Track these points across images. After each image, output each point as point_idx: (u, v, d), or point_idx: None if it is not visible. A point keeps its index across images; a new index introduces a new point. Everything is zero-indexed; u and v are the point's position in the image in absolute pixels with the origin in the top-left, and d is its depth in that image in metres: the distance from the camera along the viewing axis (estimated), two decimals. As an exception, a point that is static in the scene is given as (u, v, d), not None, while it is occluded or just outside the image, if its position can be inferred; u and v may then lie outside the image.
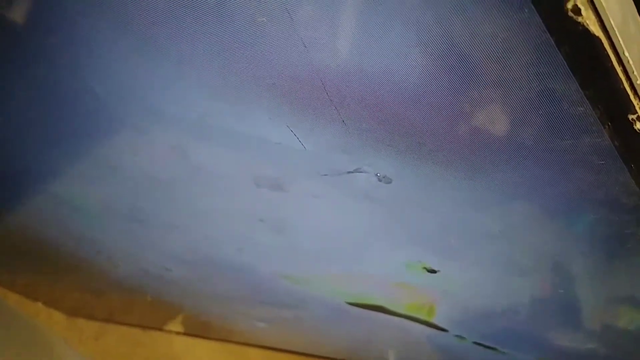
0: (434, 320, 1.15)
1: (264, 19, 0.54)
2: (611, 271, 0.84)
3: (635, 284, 0.85)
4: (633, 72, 0.51)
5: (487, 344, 1.17)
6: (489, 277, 0.96)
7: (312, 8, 0.52)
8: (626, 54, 0.50)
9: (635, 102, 0.53)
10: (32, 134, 0.88)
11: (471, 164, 0.68)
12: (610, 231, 0.73)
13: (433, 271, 0.94)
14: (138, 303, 1.58)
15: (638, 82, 0.52)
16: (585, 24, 0.49)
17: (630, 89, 0.52)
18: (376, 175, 0.74)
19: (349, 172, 0.74)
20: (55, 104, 0.80)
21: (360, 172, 0.74)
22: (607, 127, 0.57)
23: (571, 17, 0.49)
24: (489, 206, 0.77)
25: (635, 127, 0.54)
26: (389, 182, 0.75)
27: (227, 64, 0.62)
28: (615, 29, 0.49)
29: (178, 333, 1.60)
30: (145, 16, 0.58)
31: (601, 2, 0.48)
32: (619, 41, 0.51)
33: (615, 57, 0.51)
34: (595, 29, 0.49)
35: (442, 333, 1.20)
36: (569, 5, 0.48)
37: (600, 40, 0.50)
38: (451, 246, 0.89)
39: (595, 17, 0.48)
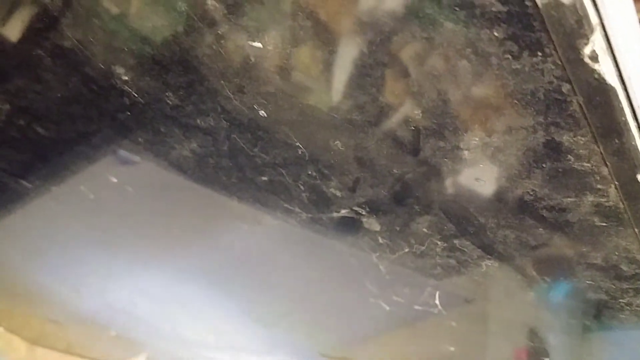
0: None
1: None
2: (600, 344, 0.77)
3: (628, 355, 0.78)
4: (648, 129, 0.45)
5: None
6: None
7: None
8: (642, 108, 0.44)
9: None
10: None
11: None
12: (605, 300, 0.66)
13: None
14: (101, 337, 1.50)
15: (652, 140, 0.46)
16: (601, 72, 0.43)
17: (644, 147, 0.46)
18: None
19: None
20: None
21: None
22: (614, 186, 0.51)
23: (587, 64, 0.43)
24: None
25: (645, 189, 0.48)
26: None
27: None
28: (633, 80, 0.43)
29: (139, 372, 1.49)
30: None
31: (620, 51, 0.42)
32: (635, 94, 0.45)
33: (630, 110, 0.45)
34: (611, 78, 0.43)
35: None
36: (587, 51, 0.42)
37: (615, 91, 0.44)
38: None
39: (613, 66, 0.42)
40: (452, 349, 0.98)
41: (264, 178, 0.63)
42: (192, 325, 1.35)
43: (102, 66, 0.57)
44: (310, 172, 0.60)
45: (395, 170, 0.59)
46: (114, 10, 0.51)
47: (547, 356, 0.87)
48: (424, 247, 0.72)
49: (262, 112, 0.55)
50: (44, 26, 0.55)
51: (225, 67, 0.52)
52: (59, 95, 0.63)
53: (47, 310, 1.40)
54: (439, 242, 0.70)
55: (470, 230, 0.66)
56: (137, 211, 0.97)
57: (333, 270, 0.95)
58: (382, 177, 0.62)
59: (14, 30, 0.55)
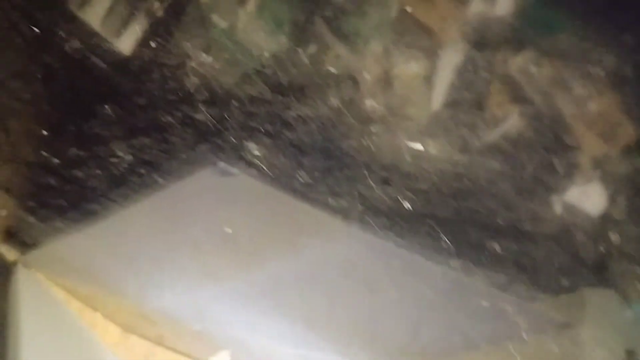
0: None
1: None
2: None
3: None
4: None
5: None
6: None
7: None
8: None
9: None
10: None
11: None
12: None
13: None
14: (186, 332, 1.54)
15: None
16: None
17: None
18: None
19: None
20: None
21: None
22: None
23: None
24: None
25: None
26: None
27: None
28: None
29: (222, 367, 1.52)
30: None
31: None
32: None
33: None
34: None
35: None
36: None
37: None
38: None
39: None
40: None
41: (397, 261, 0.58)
42: (275, 327, 1.34)
43: (233, 140, 0.52)
44: (452, 264, 0.53)
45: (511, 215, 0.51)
46: (253, 92, 0.46)
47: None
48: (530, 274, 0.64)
49: (407, 205, 0.49)
50: (177, 98, 0.50)
51: (372, 160, 0.46)
52: (184, 156, 0.59)
53: (139, 300, 1.44)
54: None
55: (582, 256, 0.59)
56: (230, 219, 0.96)
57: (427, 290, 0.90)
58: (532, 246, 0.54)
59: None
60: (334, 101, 0.42)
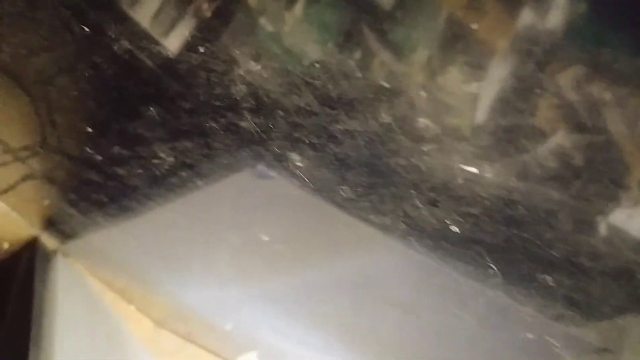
0: None
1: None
2: None
3: None
4: None
5: None
6: None
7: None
8: None
9: None
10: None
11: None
12: None
13: None
14: (216, 330, 1.55)
15: None
16: None
17: None
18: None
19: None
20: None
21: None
22: None
23: None
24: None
25: None
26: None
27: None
28: None
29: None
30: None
31: None
32: None
33: None
34: None
35: None
36: None
37: None
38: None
39: None
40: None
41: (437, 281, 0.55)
42: (305, 333, 1.34)
43: (276, 149, 0.50)
44: (497, 293, 0.50)
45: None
46: (301, 103, 0.44)
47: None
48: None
49: (454, 228, 0.46)
50: (223, 105, 0.49)
51: (421, 180, 0.43)
52: (224, 162, 0.58)
53: (172, 297, 1.46)
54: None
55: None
56: (267, 225, 0.95)
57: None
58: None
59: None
60: (385, 117, 0.40)
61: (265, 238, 0.87)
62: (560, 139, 0.42)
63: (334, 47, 0.43)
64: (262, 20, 0.46)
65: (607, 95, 0.39)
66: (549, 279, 0.48)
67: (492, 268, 0.50)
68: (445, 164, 0.41)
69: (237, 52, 0.47)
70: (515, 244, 0.46)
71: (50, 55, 0.61)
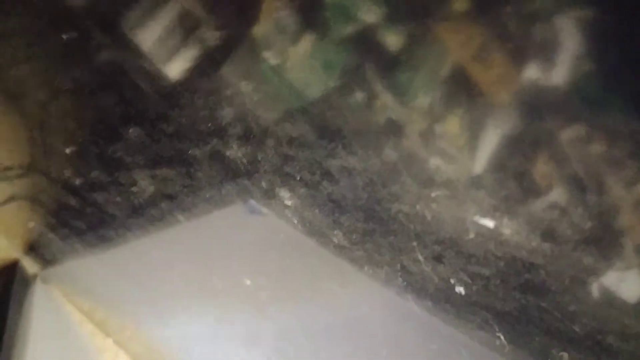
0: None
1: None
2: None
3: None
4: None
5: None
6: None
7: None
8: None
9: None
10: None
11: None
12: None
13: None
14: None
15: None
16: None
17: None
18: None
19: None
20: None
21: None
22: None
23: None
24: None
25: None
26: None
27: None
28: None
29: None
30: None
31: None
32: None
33: None
34: None
35: None
36: None
37: None
38: None
39: None
40: None
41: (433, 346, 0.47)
42: None
43: (264, 185, 0.43)
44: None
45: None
46: (294, 134, 0.37)
47: None
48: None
49: (459, 289, 0.39)
50: (207, 130, 0.42)
51: (425, 231, 0.36)
52: (207, 196, 0.51)
53: (150, 331, 1.36)
54: None
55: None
56: (251, 265, 0.91)
57: None
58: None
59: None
60: (390, 154, 0.33)
61: (248, 282, 0.80)
62: (556, 195, 0.36)
63: (336, 82, 0.38)
64: (266, 54, 0.41)
65: (606, 156, 0.34)
66: (566, 356, 0.40)
67: (500, 339, 0.42)
68: (456, 215, 0.34)
69: (231, 75, 0.41)
70: (530, 314, 0.39)
71: (40, 72, 0.56)
